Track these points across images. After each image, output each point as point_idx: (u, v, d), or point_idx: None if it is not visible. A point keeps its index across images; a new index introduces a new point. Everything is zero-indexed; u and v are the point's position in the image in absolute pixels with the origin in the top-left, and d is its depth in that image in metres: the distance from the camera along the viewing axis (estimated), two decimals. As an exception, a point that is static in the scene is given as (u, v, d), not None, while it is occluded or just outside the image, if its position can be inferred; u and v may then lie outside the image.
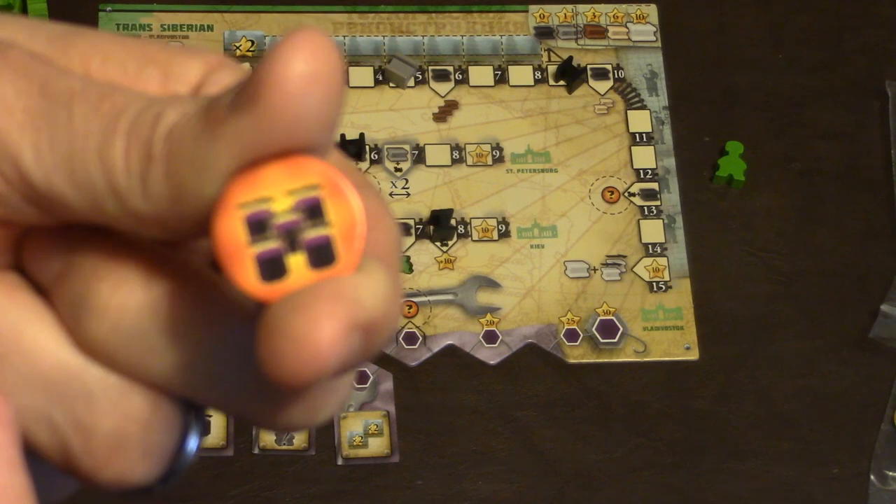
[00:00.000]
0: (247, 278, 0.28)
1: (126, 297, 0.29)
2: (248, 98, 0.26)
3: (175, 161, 0.27)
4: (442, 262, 1.02)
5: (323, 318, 0.26)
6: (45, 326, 0.30)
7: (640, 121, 1.08)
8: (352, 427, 0.97)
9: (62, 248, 0.30)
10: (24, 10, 1.05)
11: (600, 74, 1.09)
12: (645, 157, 1.06)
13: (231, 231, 0.28)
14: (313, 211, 0.28)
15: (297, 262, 0.28)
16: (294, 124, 0.26)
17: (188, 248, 0.31)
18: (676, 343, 1.01)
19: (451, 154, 1.05)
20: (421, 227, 1.03)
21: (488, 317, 1.00)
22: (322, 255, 0.28)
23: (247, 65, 1.07)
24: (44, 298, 0.30)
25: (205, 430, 0.32)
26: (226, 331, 0.29)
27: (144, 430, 0.30)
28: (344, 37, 1.08)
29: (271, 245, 0.28)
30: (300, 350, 0.26)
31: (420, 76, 1.08)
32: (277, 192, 0.28)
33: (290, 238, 0.28)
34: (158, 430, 0.30)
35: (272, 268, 0.28)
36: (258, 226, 0.28)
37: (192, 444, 0.31)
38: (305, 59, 0.26)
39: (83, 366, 0.29)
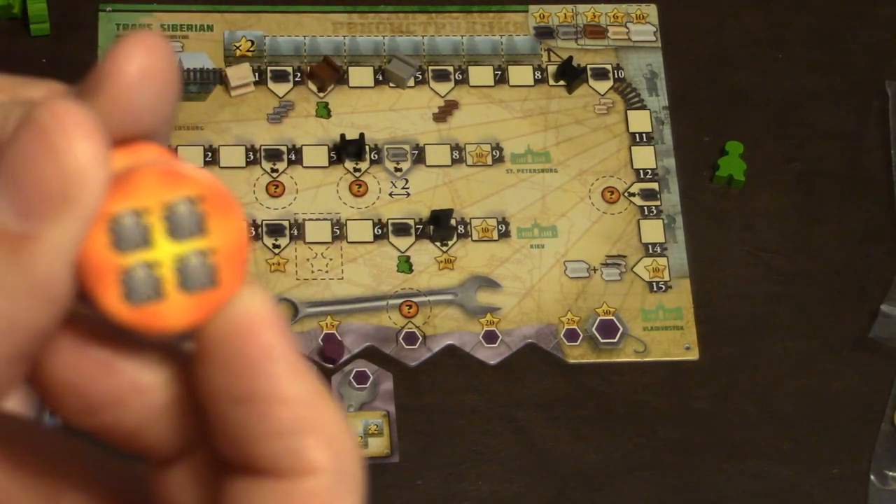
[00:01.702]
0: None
1: None
2: (90, 89, 0.28)
3: None
4: (442, 262, 1.02)
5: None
6: None
7: (640, 121, 1.08)
8: (352, 427, 0.97)
9: None
10: (24, 11, 1.05)
11: (600, 74, 1.09)
12: (645, 157, 1.06)
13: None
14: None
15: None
16: (132, 113, 0.28)
17: None
18: (676, 343, 1.01)
19: (451, 154, 1.05)
20: (421, 227, 1.03)
21: (488, 317, 1.00)
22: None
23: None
24: None
25: None
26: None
27: None
28: (344, 37, 1.08)
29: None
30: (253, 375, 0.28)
31: (420, 76, 1.08)
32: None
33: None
34: None
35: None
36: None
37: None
38: (141, 55, 0.28)
39: None
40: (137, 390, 0.28)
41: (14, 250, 0.26)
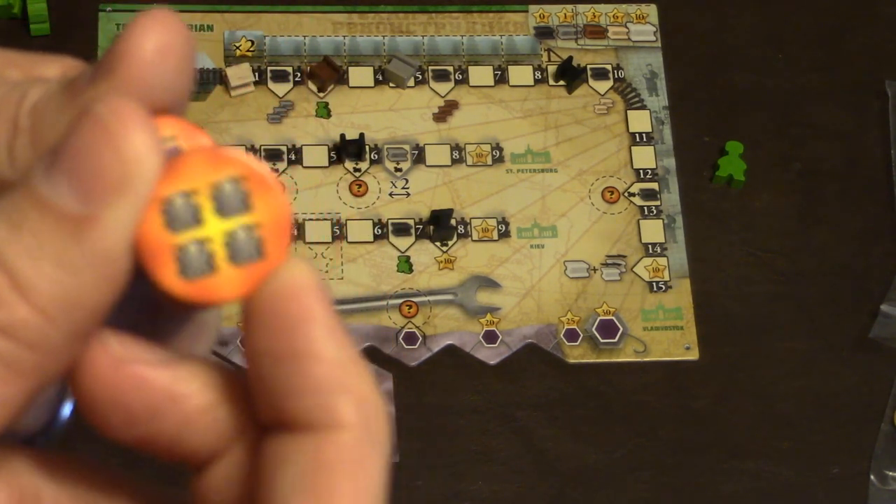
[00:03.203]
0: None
1: None
2: (108, 68, 0.30)
3: (39, 130, 0.30)
4: (442, 262, 1.02)
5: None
6: None
7: (640, 121, 1.08)
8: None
9: None
10: (24, 11, 1.05)
11: (600, 74, 1.09)
12: (645, 157, 1.06)
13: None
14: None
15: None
16: (150, 89, 0.30)
17: None
18: (676, 343, 1.01)
19: (451, 154, 1.05)
20: (421, 227, 1.03)
21: (488, 317, 1.00)
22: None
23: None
24: None
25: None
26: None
27: None
28: (344, 37, 1.09)
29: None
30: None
31: (420, 76, 1.08)
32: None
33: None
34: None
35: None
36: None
37: (67, 409, 0.33)
38: (156, 32, 0.30)
39: None
40: (172, 399, 0.31)
41: (77, 231, 0.29)
